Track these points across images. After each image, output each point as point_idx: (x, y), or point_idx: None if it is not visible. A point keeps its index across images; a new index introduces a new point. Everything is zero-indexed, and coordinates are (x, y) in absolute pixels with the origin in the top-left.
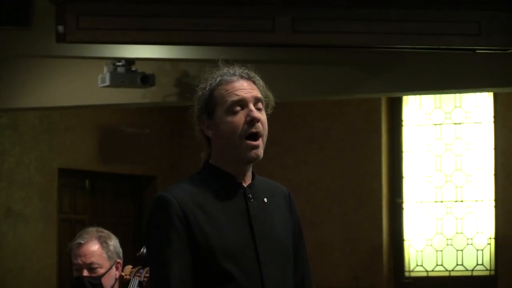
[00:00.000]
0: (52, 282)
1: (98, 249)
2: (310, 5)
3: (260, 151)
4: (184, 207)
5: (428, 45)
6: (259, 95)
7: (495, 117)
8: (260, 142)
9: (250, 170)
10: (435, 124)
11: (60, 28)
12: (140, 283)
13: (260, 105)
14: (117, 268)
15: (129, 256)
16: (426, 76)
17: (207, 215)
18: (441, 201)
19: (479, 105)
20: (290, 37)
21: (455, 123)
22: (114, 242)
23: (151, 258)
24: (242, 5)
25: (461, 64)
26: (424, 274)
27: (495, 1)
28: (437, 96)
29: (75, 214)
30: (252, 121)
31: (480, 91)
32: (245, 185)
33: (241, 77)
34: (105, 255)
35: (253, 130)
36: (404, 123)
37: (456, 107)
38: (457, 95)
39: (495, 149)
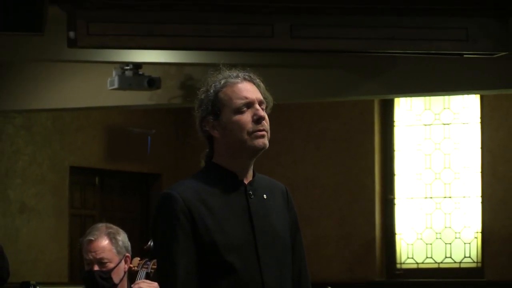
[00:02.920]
0: (64, 274)
1: (108, 244)
2: (307, 12)
3: (267, 141)
4: (189, 204)
5: (418, 50)
6: (262, 97)
7: (481, 118)
8: (266, 137)
9: (252, 167)
10: (425, 125)
11: (71, 34)
12: (147, 274)
13: (263, 106)
14: (125, 262)
15: (137, 249)
16: (416, 79)
17: (210, 211)
18: (431, 197)
19: (466, 107)
20: (288, 42)
21: (444, 124)
22: (122, 237)
23: (158, 253)
24: (242, 12)
25: (449, 68)
26: (415, 266)
27: (481, 9)
28: (427, 98)
29: (85, 209)
30: (259, 119)
31: (468, 94)
32: (246, 182)
33: (244, 79)
34: (114, 250)
35: (260, 127)
36: (395, 123)
37: (444, 108)
38: (446, 97)
39: (482, 148)
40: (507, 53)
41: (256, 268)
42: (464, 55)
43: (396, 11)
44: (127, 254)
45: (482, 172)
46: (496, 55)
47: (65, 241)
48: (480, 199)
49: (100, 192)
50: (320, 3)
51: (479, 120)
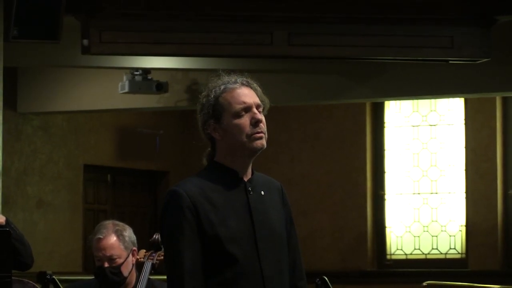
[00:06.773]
0: (78, 265)
1: (116, 241)
2: (304, 21)
3: (264, 142)
4: (194, 200)
5: (407, 56)
6: (259, 101)
7: (465, 119)
8: (264, 138)
9: (251, 166)
10: (413, 126)
11: (85, 42)
12: (153, 265)
13: (260, 109)
14: (133, 255)
15: (145, 242)
16: (405, 83)
17: (214, 207)
18: (418, 193)
19: (451, 109)
20: (286, 49)
21: (431, 125)
22: (129, 233)
23: (165, 245)
24: (244, 21)
25: (436, 73)
26: (404, 257)
27: (465, 18)
28: (415, 101)
29: (98, 204)
30: (256, 122)
31: (453, 97)
32: (245, 179)
33: (242, 84)
34: (122, 246)
35: (258, 130)
36: (386, 125)
37: (431, 110)
38: (432, 100)
39: (466, 147)
40: (489, 59)
41: (256, 259)
42: (450, 61)
43: (387, 20)
44: (134, 248)
45: (466, 169)
46: (479, 61)
47: (79, 234)
48: (464, 195)
49: (112, 189)
50: (316, 14)
51: (463, 121)
